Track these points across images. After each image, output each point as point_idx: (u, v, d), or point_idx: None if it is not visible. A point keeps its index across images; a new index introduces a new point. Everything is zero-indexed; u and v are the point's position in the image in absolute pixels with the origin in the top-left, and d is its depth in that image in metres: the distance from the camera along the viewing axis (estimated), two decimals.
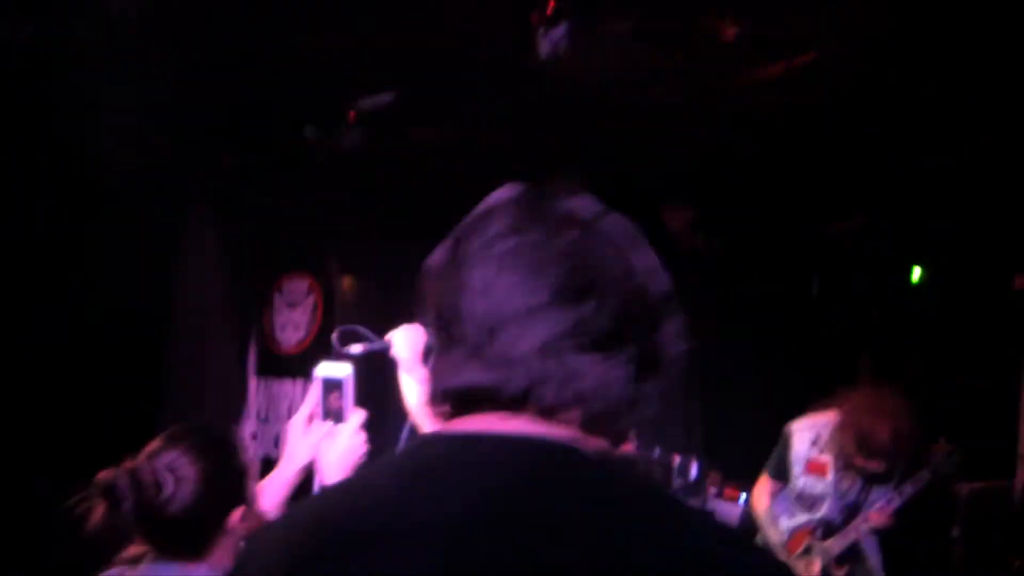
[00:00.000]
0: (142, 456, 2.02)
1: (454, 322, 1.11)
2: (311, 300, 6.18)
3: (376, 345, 2.91)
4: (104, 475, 2.00)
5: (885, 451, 4.40)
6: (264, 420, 6.30)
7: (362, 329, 2.94)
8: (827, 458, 4.69)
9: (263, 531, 1.23)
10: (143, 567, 1.98)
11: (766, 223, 6.55)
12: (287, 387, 6.21)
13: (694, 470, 5.72)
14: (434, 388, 1.13)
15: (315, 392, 2.35)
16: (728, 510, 4.98)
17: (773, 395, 6.37)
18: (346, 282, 6.11)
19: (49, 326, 5.53)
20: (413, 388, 2.84)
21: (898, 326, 6.91)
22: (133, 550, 2.18)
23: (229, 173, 5.82)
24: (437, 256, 1.20)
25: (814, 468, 4.74)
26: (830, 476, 4.70)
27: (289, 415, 6.19)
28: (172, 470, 1.97)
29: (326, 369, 2.40)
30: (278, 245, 6.29)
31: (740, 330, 6.62)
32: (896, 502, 4.63)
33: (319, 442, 2.27)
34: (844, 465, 4.61)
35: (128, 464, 2.00)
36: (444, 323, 1.13)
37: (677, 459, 5.51)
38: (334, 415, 2.35)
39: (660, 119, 5.29)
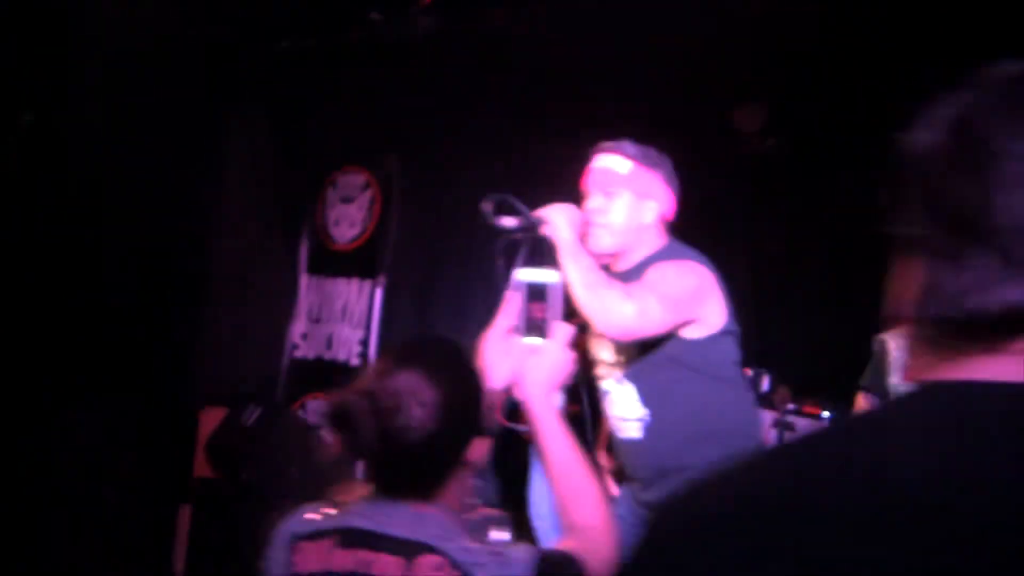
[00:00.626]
0: (371, 376, 1.75)
1: (975, 223, 0.84)
2: (368, 195, 5.91)
3: (529, 220, 2.72)
4: (337, 399, 1.73)
5: None
6: (316, 320, 6.07)
7: (516, 200, 2.74)
8: None
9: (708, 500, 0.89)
10: (365, 506, 1.74)
11: (842, 129, 6.26)
12: (341, 286, 5.97)
13: (766, 383, 5.55)
14: (939, 306, 0.85)
15: (516, 300, 2.07)
16: (811, 427, 4.81)
17: (834, 308, 6.17)
18: (406, 179, 5.84)
19: (91, 222, 5.31)
20: (577, 273, 2.67)
21: None
22: (340, 493, 1.94)
23: (284, 60, 5.51)
24: (929, 138, 0.92)
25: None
26: None
27: (343, 315, 5.97)
28: (411, 393, 1.69)
29: (529, 274, 2.10)
30: (334, 138, 6.00)
31: (806, 239, 6.39)
32: None
33: (520, 359, 1.99)
34: None
35: (360, 386, 1.72)
36: (953, 222, 0.86)
37: (748, 372, 5.34)
38: (537, 328, 2.05)
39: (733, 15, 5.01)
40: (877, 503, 0.75)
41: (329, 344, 5.98)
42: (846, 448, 0.85)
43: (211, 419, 5.48)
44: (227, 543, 5.01)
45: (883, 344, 4.73)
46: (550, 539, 4.46)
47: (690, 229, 4.70)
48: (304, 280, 6.15)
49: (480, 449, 1.82)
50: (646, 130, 6.05)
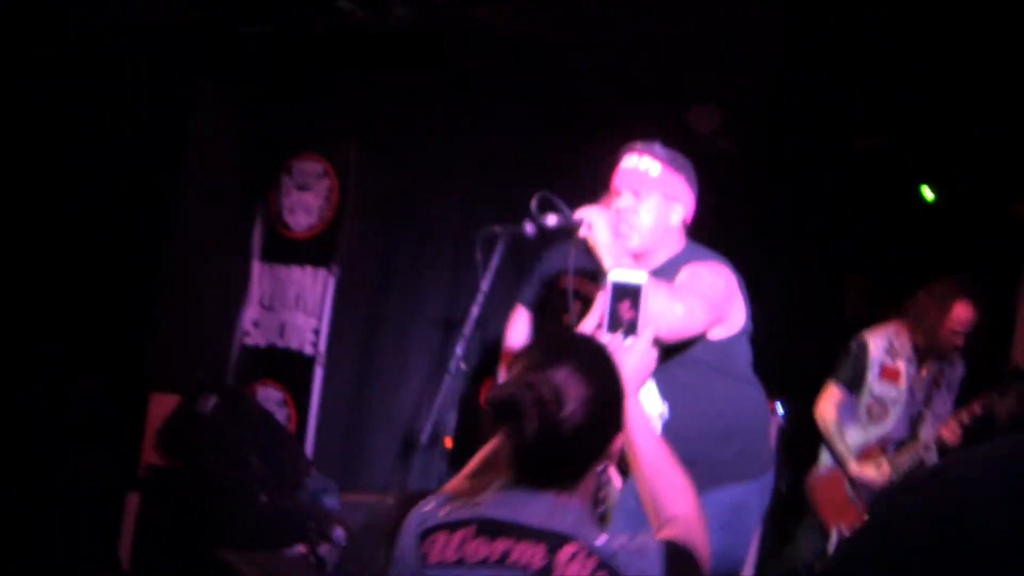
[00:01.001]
0: (524, 370, 1.75)
1: None
2: (325, 184, 5.86)
3: (569, 220, 2.79)
4: (504, 390, 1.74)
5: (967, 317, 4.51)
6: (268, 307, 6.01)
7: (558, 200, 2.81)
8: (900, 364, 4.74)
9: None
10: (501, 497, 1.75)
11: (791, 133, 6.42)
12: (295, 273, 5.92)
13: None
14: None
15: (605, 298, 2.10)
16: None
17: (775, 305, 6.32)
18: (365, 169, 5.82)
19: (51, 203, 5.20)
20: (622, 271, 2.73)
21: (901, 245, 6.89)
22: (453, 485, 1.95)
23: (247, 44, 5.43)
24: None
25: (888, 374, 4.76)
26: (903, 383, 4.74)
27: (297, 303, 5.92)
28: (566, 387, 1.72)
29: (620, 274, 2.14)
30: (291, 124, 5.94)
31: (751, 237, 6.54)
32: (964, 416, 4.68)
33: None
34: (920, 358, 4.68)
35: (519, 379, 1.74)
36: None
37: None
38: (625, 327, 2.09)
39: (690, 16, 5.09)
40: None
41: (282, 332, 5.93)
42: None
43: (160, 406, 5.41)
44: (177, 532, 4.95)
45: (864, 343, 4.93)
46: None
47: None
48: (257, 267, 6.08)
49: (618, 444, 1.86)
50: (602, 128, 6.14)
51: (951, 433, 4.69)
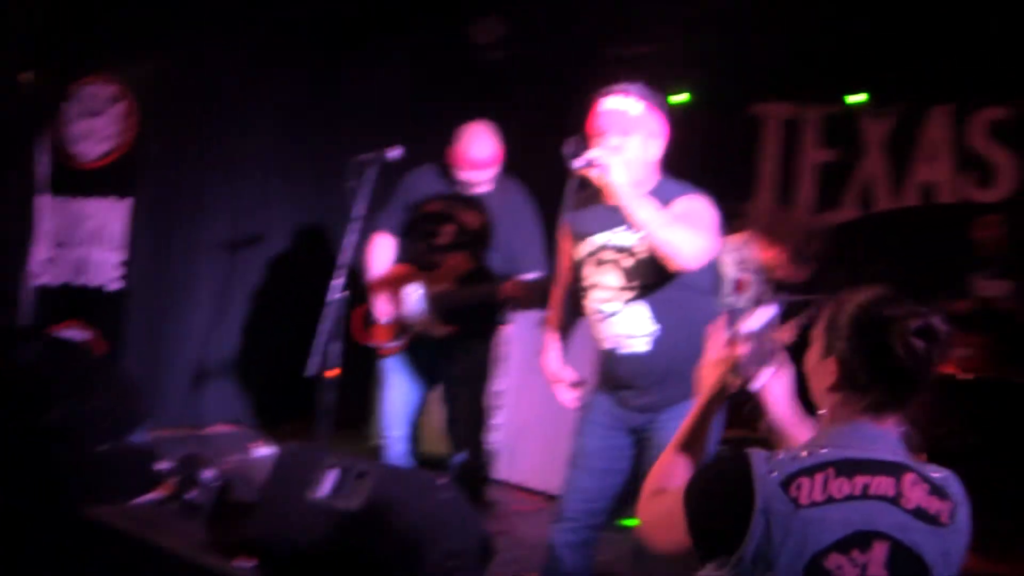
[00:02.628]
0: (900, 308, 1.84)
1: None
2: (119, 108, 5.48)
3: (592, 163, 2.95)
4: (930, 318, 1.81)
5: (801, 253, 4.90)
6: (61, 244, 5.59)
7: (583, 145, 2.97)
8: (749, 275, 5.06)
9: None
10: (847, 436, 1.85)
11: (567, 43, 6.70)
12: (91, 206, 5.53)
13: None
14: None
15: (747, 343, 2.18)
16: None
17: None
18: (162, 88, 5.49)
19: None
20: (648, 213, 2.95)
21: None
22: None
23: None
24: None
25: (740, 287, 5.10)
26: (751, 292, 5.08)
27: (96, 238, 5.54)
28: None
29: (756, 320, 2.20)
30: (73, 47, 5.47)
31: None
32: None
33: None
34: (764, 278, 5.02)
35: (921, 309, 1.81)
36: None
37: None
38: (766, 357, 2.19)
39: None
40: None
41: (80, 269, 5.55)
42: None
43: None
44: (27, 494, 4.64)
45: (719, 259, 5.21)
46: (400, 450, 4.61)
47: (428, 136, 4.91)
48: (45, 201, 5.62)
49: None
50: (387, 42, 6.14)
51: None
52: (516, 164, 5.08)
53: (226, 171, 5.78)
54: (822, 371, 1.92)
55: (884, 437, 1.87)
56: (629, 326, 3.19)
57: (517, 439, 5.43)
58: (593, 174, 3.03)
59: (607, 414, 3.31)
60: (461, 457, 4.62)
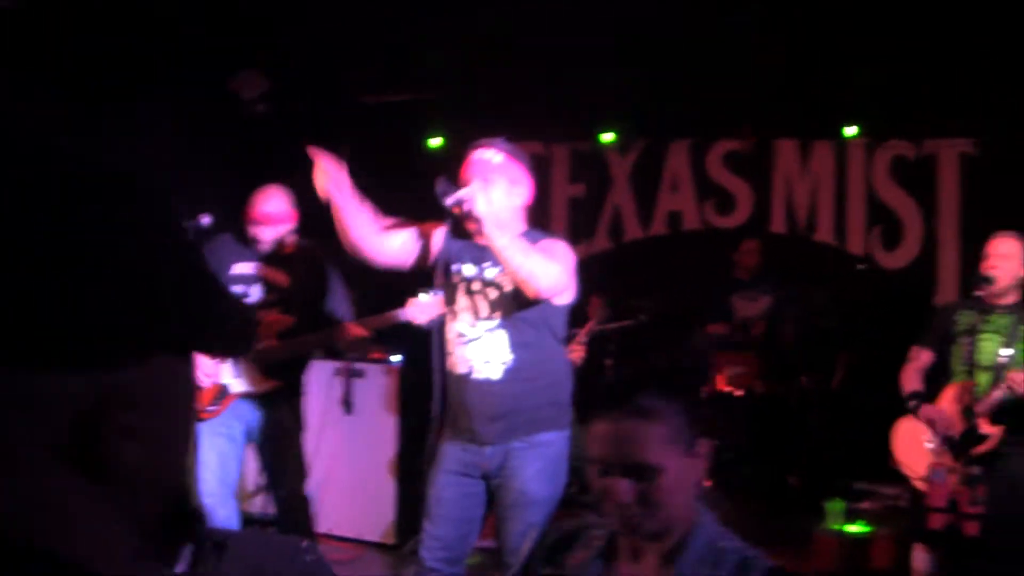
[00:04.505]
0: None
1: None
2: None
3: (460, 198, 3.22)
4: None
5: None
6: None
7: (450, 183, 3.23)
8: None
9: None
10: None
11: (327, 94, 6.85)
12: None
13: None
14: None
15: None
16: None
17: None
18: None
19: None
20: (509, 241, 3.21)
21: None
22: None
23: None
24: None
25: None
26: None
27: None
28: None
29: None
30: None
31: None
32: None
33: None
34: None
35: None
36: None
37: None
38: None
39: None
40: None
41: None
42: None
43: None
44: None
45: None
46: (223, 515, 4.59)
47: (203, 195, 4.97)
48: None
49: None
50: (149, 98, 6.07)
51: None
52: None
53: None
54: None
55: None
56: (487, 351, 3.39)
57: (320, 488, 5.50)
58: (463, 209, 3.27)
59: (458, 462, 3.45)
60: (284, 511, 4.65)
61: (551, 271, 3.28)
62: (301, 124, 7.04)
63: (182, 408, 0.84)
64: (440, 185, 3.29)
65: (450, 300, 3.49)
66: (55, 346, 0.75)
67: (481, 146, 3.44)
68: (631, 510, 1.82)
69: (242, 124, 6.68)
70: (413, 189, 7.23)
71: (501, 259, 3.28)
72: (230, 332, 0.77)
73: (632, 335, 6.05)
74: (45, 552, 0.74)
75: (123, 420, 0.77)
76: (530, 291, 3.28)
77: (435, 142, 7.57)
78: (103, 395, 0.76)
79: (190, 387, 0.86)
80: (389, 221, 3.58)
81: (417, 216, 3.63)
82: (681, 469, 1.84)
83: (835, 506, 5.24)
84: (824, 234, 7.03)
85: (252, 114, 6.65)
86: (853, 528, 5.15)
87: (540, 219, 3.56)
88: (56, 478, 0.76)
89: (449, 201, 3.28)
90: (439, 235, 3.52)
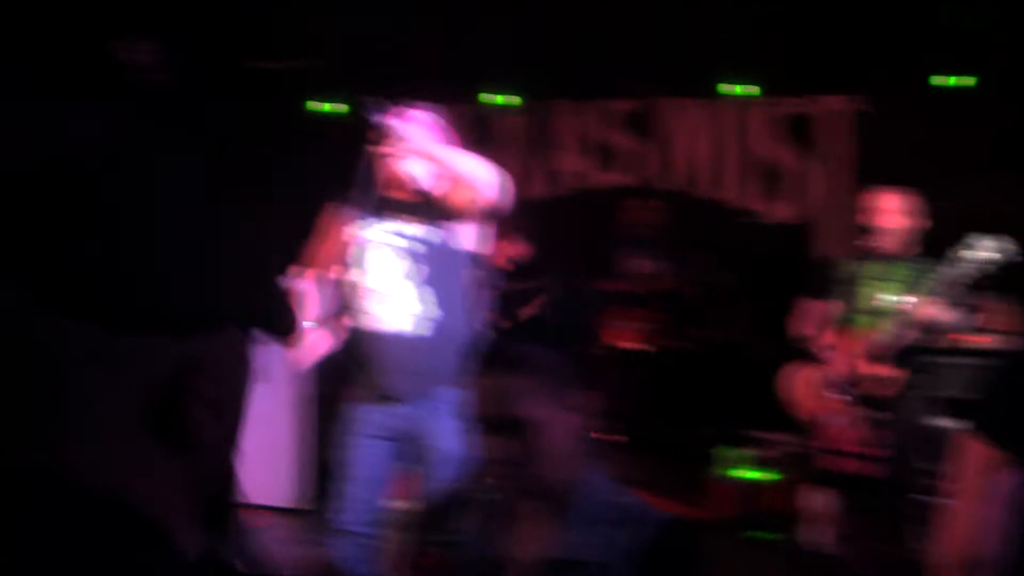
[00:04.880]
0: None
1: None
2: None
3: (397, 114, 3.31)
4: None
5: None
6: None
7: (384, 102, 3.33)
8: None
9: None
10: None
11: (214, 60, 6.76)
12: None
13: None
14: None
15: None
16: None
17: None
18: None
19: None
20: (446, 151, 3.33)
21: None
22: None
23: None
24: None
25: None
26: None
27: None
28: None
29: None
30: None
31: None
32: None
33: None
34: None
35: None
36: None
37: None
38: None
39: None
40: None
41: None
42: None
43: None
44: None
45: None
46: None
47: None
48: None
49: None
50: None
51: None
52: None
53: None
54: None
55: None
56: (402, 306, 3.43)
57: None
58: (389, 137, 3.30)
59: (369, 424, 3.48)
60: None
61: (487, 171, 3.35)
62: (192, 93, 6.95)
63: (242, 380, 0.91)
64: (370, 105, 3.29)
65: (358, 260, 3.48)
66: (147, 313, 0.83)
67: (403, 108, 3.45)
68: (509, 468, 1.81)
69: (129, 93, 6.55)
70: (304, 153, 7.30)
71: (439, 164, 3.35)
72: (278, 312, 0.84)
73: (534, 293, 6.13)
74: (120, 503, 0.82)
75: (195, 385, 0.85)
76: (475, 195, 3.34)
77: (328, 107, 7.52)
78: (182, 360, 0.84)
79: (248, 361, 0.92)
80: (323, 264, 3.58)
81: (308, 181, 3.58)
82: (557, 423, 1.80)
83: (726, 453, 5.43)
84: (715, 190, 7.20)
85: (142, 83, 6.53)
86: (748, 474, 5.37)
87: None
88: (134, 434, 0.83)
89: (377, 118, 3.27)
90: (340, 216, 3.52)
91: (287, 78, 7.27)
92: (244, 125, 7.38)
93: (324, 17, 6.70)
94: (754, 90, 6.83)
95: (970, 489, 1.72)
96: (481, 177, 3.32)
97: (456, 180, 3.33)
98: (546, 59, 6.95)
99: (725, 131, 7.14)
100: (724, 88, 6.85)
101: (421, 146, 3.29)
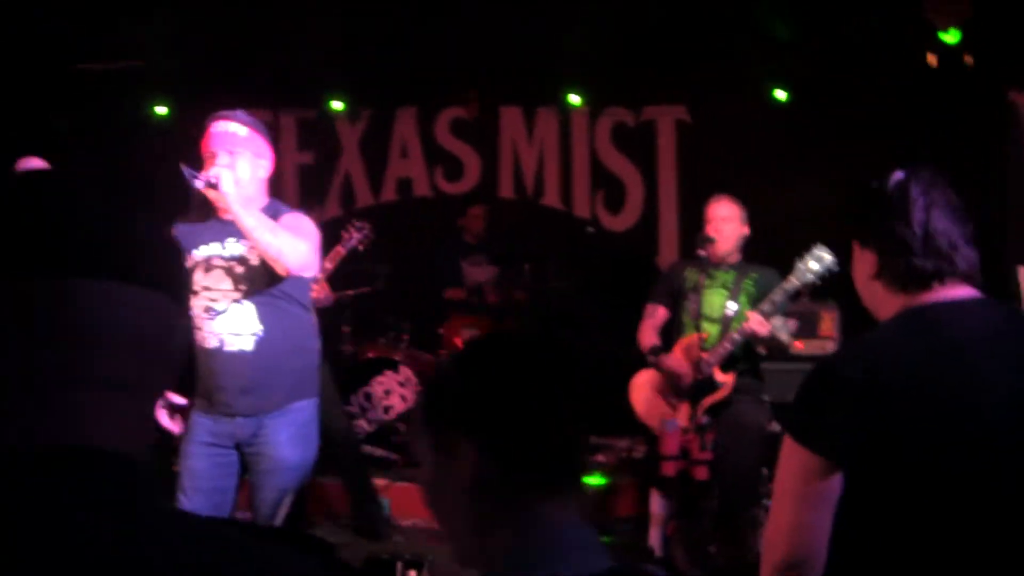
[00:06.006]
0: None
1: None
2: None
3: (208, 180, 3.15)
4: None
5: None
6: None
7: (192, 168, 3.15)
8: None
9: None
10: None
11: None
12: None
13: None
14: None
15: None
16: None
17: None
18: None
19: None
20: (255, 220, 3.22)
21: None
22: None
23: None
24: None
25: None
26: None
27: None
28: None
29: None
30: None
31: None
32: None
33: None
34: None
35: None
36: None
37: None
38: None
39: None
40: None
41: None
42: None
43: None
44: None
45: None
46: None
47: None
48: None
49: None
50: None
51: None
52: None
53: None
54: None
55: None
56: (236, 324, 3.38)
57: None
58: (210, 192, 3.23)
59: (209, 432, 3.45)
60: None
61: (299, 248, 3.33)
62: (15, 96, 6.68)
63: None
64: (186, 170, 3.23)
65: (187, 283, 3.41)
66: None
67: (221, 118, 3.39)
68: None
69: None
70: (138, 158, 7.08)
71: (250, 239, 3.28)
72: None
73: (369, 300, 6.08)
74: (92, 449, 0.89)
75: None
76: (280, 268, 3.31)
77: (160, 111, 7.31)
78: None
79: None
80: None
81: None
82: (435, 470, 1.36)
83: None
84: (551, 199, 7.27)
85: None
86: (590, 480, 5.40)
87: (271, 187, 3.54)
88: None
89: (199, 183, 3.23)
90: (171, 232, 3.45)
91: (117, 80, 7.05)
92: (78, 131, 7.15)
93: (158, 21, 6.54)
94: (577, 101, 6.92)
95: (790, 491, 1.75)
96: (287, 256, 3.29)
97: (263, 253, 3.31)
98: (390, 67, 6.93)
99: (567, 140, 7.22)
100: (567, 98, 6.91)
101: (234, 212, 3.25)
